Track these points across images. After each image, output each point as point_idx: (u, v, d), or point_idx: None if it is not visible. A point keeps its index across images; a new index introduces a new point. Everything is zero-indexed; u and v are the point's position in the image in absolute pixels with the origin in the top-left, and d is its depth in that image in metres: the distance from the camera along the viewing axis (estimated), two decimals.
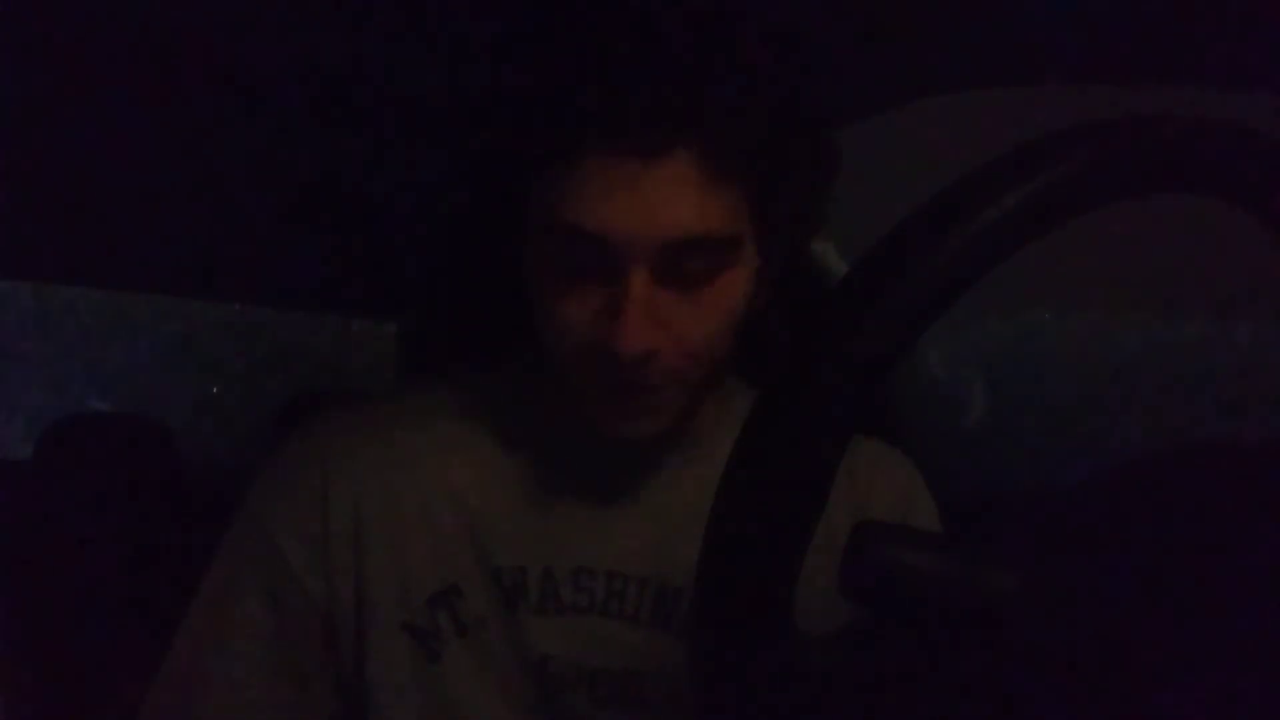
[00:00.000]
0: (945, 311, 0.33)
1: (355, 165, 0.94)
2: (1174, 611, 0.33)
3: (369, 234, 1.16)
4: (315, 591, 0.62)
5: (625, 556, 0.63)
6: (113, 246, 1.20)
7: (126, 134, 0.86)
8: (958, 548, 0.35)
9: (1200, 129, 0.36)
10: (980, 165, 0.34)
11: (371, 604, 0.61)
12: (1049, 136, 0.35)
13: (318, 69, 0.75)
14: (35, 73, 0.73)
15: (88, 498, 1.46)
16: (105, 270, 1.38)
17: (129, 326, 3.50)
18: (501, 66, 0.58)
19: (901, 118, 0.84)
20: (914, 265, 0.32)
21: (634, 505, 0.65)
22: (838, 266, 1.01)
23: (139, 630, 0.67)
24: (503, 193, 0.59)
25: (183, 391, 3.52)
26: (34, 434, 1.52)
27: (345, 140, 0.88)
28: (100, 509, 1.45)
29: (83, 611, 1.35)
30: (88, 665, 1.26)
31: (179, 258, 1.26)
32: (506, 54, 0.59)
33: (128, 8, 0.65)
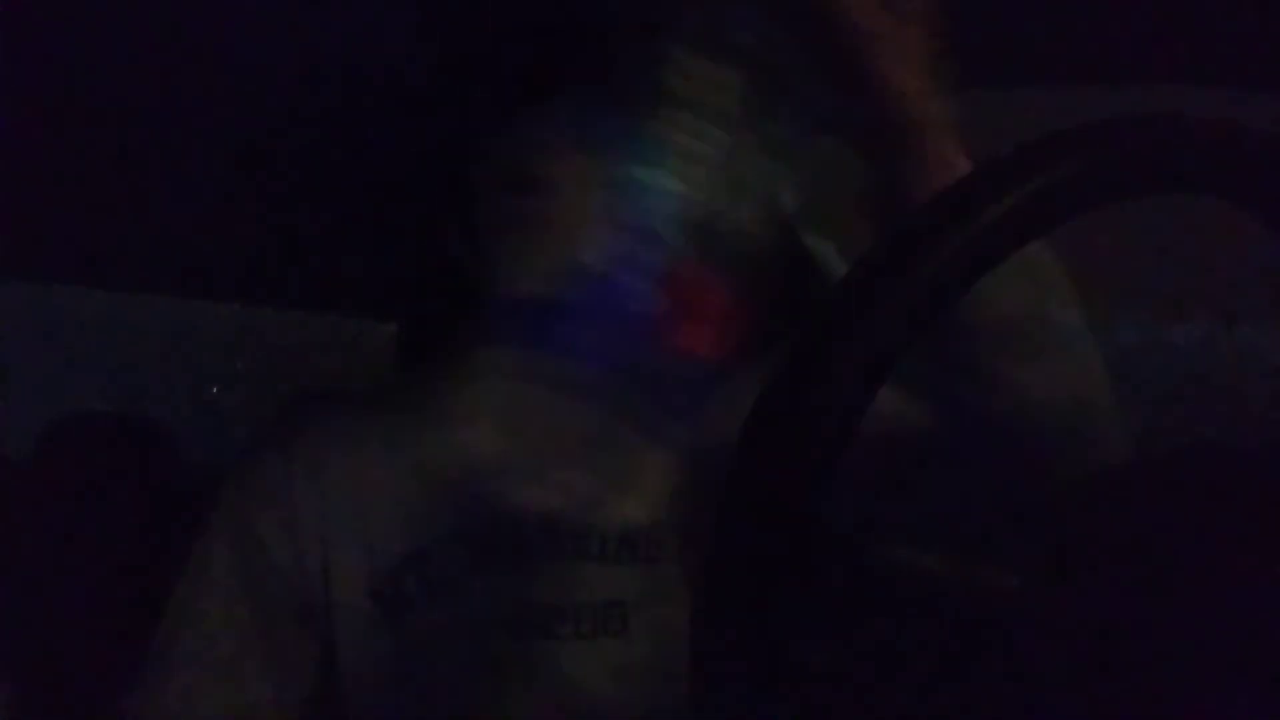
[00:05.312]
0: (946, 311, 0.33)
1: (356, 165, 0.94)
2: (1174, 611, 0.33)
3: (369, 234, 1.16)
4: (285, 564, 0.65)
5: (584, 506, 0.67)
6: (113, 246, 1.20)
7: (126, 134, 0.86)
8: (959, 548, 0.35)
9: (1200, 129, 0.36)
10: (980, 165, 0.34)
11: (339, 574, 0.64)
12: (1049, 137, 0.35)
13: (320, 69, 0.75)
14: (35, 73, 0.73)
15: (88, 498, 1.46)
16: (105, 270, 1.38)
17: (129, 326, 3.50)
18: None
19: None
20: (915, 264, 0.32)
21: (585, 460, 0.69)
22: (838, 266, 1.01)
23: (139, 630, 0.68)
24: (454, 160, 0.66)
25: (183, 391, 3.52)
26: (34, 434, 1.52)
27: (346, 140, 0.88)
28: (100, 509, 1.44)
29: (83, 611, 1.35)
30: (88, 665, 1.26)
31: (179, 258, 1.26)
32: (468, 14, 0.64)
33: (127, 7, 0.66)
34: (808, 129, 0.84)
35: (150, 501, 1.49)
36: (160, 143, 0.89)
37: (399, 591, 0.64)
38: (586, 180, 0.62)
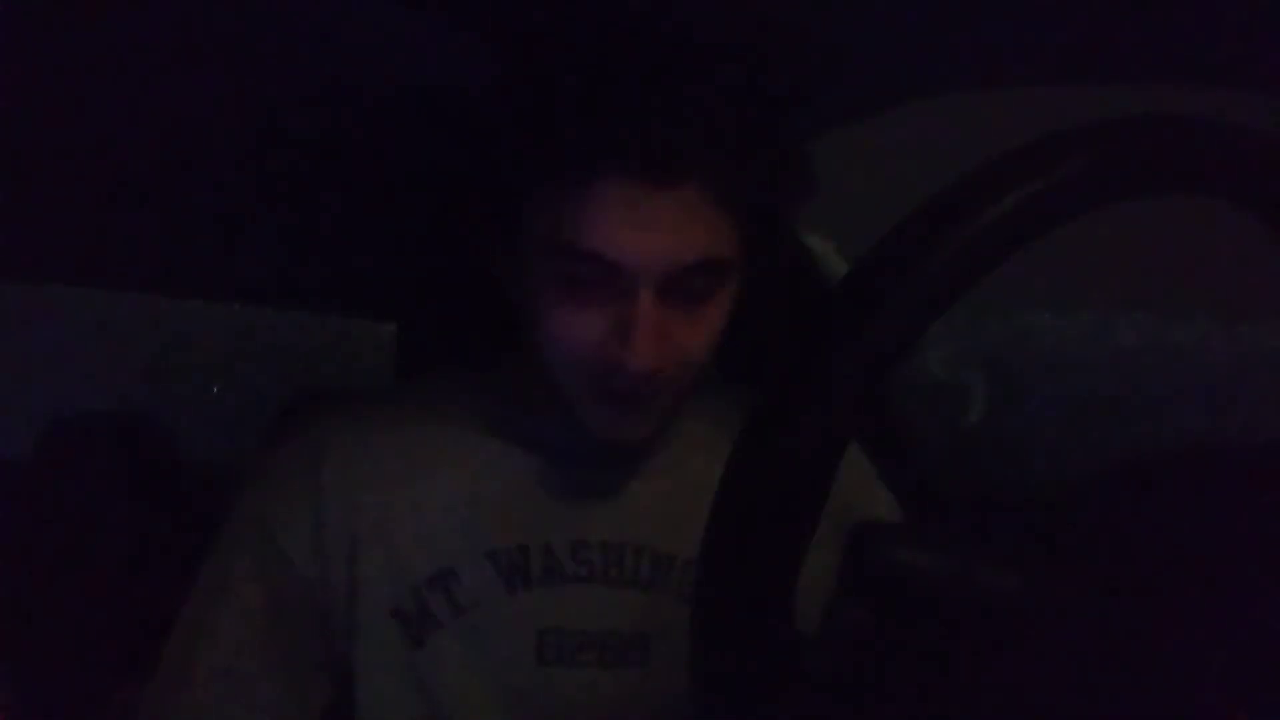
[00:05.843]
0: (946, 310, 0.33)
1: (356, 166, 0.94)
2: (1174, 611, 0.33)
3: (369, 234, 1.16)
4: (310, 579, 0.63)
5: (618, 528, 0.67)
6: (113, 246, 1.20)
7: (126, 134, 0.86)
8: (958, 548, 0.35)
9: (1200, 129, 0.36)
10: (980, 165, 0.34)
11: (362, 591, 0.63)
12: (1049, 137, 0.35)
13: (321, 70, 0.75)
14: (35, 73, 0.73)
15: (88, 498, 1.46)
16: (105, 270, 1.38)
17: (129, 326, 3.50)
18: (523, 87, 0.60)
19: (901, 118, 0.84)
20: (915, 264, 0.32)
21: (621, 485, 0.68)
22: (838, 266, 1.01)
23: (139, 630, 0.68)
24: (501, 209, 0.62)
25: (183, 391, 3.52)
26: (34, 434, 1.52)
27: (348, 140, 0.88)
28: (100, 509, 1.45)
29: (83, 611, 1.35)
30: (88, 665, 1.26)
31: (179, 258, 1.26)
32: (530, 75, 0.60)
33: (127, 7, 0.66)
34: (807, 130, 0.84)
35: (150, 501, 1.49)
36: (161, 143, 0.89)
37: (423, 611, 0.63)
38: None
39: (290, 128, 0.86)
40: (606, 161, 0.55)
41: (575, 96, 0.56)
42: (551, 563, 0.65)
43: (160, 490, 1.52)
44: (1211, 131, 0.36)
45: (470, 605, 0.63)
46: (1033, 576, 0.34)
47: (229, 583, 0.63)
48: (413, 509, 0.65)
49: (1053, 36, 0.69)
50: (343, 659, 0.64)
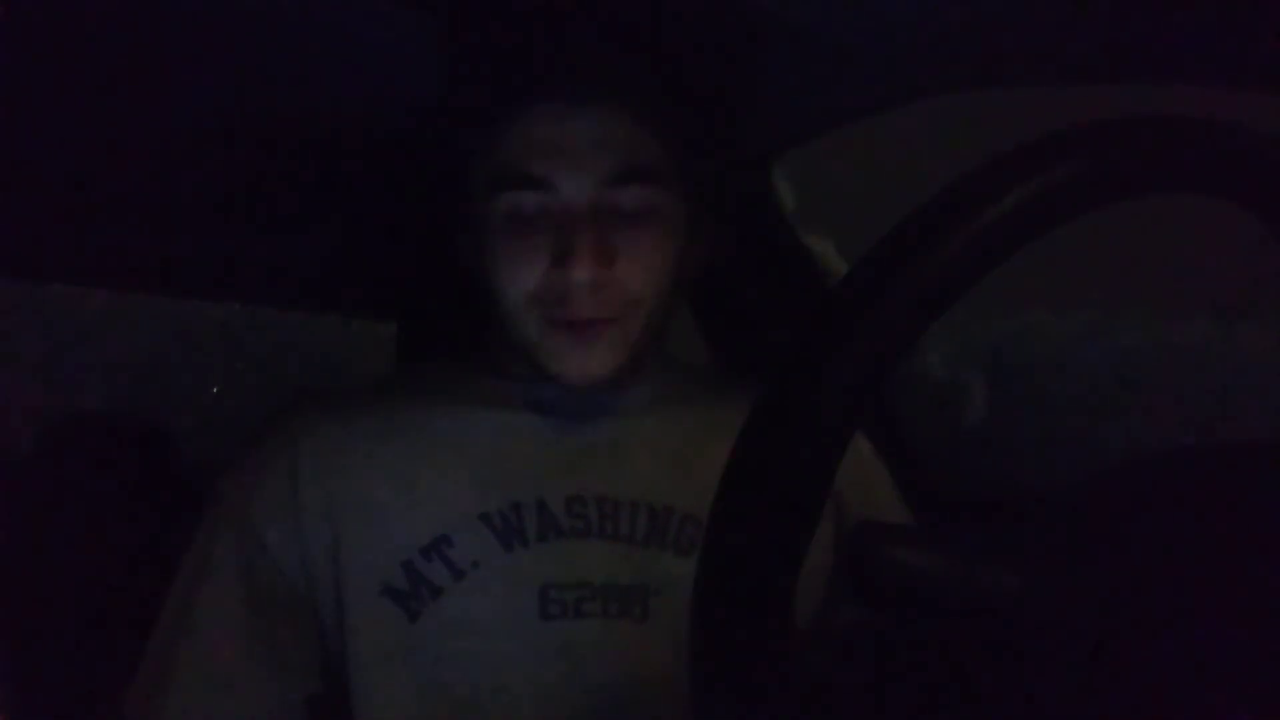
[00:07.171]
0: (946, 310, 0.33)
1: (356, 165, 0.94)
2: (1174, 611, 0.33)
3: (369, 234, 1.16)
4: (291, 569, 0.63)
5: (613, 483, 0.67)
6: (113, 246, 1.20)
7: (126, 133, 0.86)
8: (959, 547, 0.35)
9: (1200, 129, 0.36)
10: (980, 164, 0.34)
11: (349, 574, 0.63)
12: (1049, 136, 0.35)
13: (319, 70, 0.75)
14: (34, 73, 0.73)
15: (88, 498, 1.46)
16: (105, 270, 1.38)
17: (129, 326, 3.50)
18: (458, 40, 0.66)
19: (901, 118, 0.84)
20: (914, 264, 0.32)
21: (615, 440, 0.69)
22: (838, 266, 1.01)
23: (138, 630, 0.68)
24: (450, 161, 0.67)
25: (183, 391, 3.52)
26: (34, 434, 1.52)
27: (347, 139, 0.88)
28: (100, 509, 1.44)
29: (82, 612, 1.35)
30: (87, 665, 1.26)
31: (179, 258, 1.26)
32: (458, 26, 0.65)
33: (128, 8, 0.66)
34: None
35: (150, 501, 1.49)
36: (160, 142, 0.89)
37: (418, 582, 0.63)
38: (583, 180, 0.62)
39: (290, 127, 0.86)
40: (530, 93, 0.61)
41: (500, 41, 0.62)
42: (547, 519, 0.65)
43: (160, 490, 1.52)
44: (1212, 131, 0.36)
45: (469, 567, 0.63)
46: (1033, 577, 0.34)
47: (208, 573, 0.64)
48: (398, 485, 0.65)
49: (1054, 37, 0.69)
50: (332, 649, 0.63)
